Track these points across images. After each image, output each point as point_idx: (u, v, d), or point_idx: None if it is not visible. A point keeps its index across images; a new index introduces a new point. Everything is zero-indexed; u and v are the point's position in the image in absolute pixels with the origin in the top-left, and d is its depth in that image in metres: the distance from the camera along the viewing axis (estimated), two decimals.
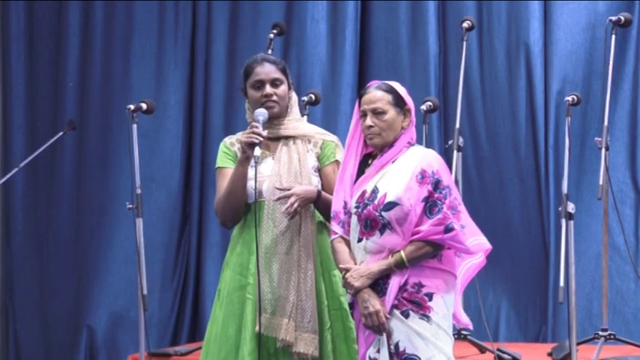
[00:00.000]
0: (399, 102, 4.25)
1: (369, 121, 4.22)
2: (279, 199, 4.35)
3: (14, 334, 7.61)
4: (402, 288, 4.13)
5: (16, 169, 6.24)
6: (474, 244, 4.21)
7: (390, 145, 4.23)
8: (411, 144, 4.26)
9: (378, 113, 4.22)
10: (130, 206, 5.68)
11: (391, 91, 4.26)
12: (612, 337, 5.96)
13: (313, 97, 6.17)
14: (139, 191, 5.71)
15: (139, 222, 5.68)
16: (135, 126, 5.73)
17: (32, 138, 7.58)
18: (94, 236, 7.51)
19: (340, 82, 7.44)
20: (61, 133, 6.32)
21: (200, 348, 6.42)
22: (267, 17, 7.31)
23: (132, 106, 5.74)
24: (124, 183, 7.14)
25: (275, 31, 6.13)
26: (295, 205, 4.32)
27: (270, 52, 5.99)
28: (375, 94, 4.24)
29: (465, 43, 6.32)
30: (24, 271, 7.62)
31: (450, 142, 6.11)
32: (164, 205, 7.56)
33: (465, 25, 6.34)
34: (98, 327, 7.48)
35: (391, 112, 4.23)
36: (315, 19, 7.47)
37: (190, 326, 7.52)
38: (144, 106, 5.80)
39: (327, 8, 7.50)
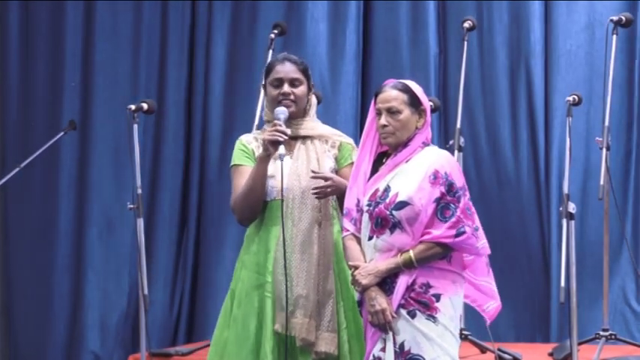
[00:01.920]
0: (414, 102, 4.25)
1: (383, 120, 4.22)
2: (316, 177, 4.33)
3: (15, 335, 7.59)
4: (410, 288, 4.12)
5: (17, 169, 6.22)
6: (484, 246, 4.23)
7: (405, 144, 4.23)
8: (425, 144, 4.27)
9: (392, 112, 4.22)
10: (131, 206, 5.68)
11: (407, 90, 4.25)
12: (613, 337, 5.97)
13: (315, 97, 6.16)
14: (139, 191, 5.70)
15: (140, 222, 5.68)
16: (136, 126, 5.73)
17: (28, 138, 7.55)
18: (94, 236, 7.50)
19: (341, 82, 7.44)
20: (62, 133, 6.31)
21: (201, 348, 6.46)
22: (267, 17, 7.31)
23: (133, 107, 5.74)
24: (126, 183, 7.12)
25: (276, 31, 6.13)
26: (328, 190, 4.33)
27: (270, 52, 5.99)
28: (391, 94, 4.24)
29: (466, 43, 6.32)
30: (23, 271, 7.59)
31: (450, 142, 6.11)
32: (163, 205, 7.55)
33: (466, 25, 6.34)
34: (99, 327, 7.46)
35: (406, 112, 4.23)
36: (315, 18, 7.47)
37: (190, 326, 7.51)
38: (145, 106, 5.79)
39: (327, 8, 7.50)
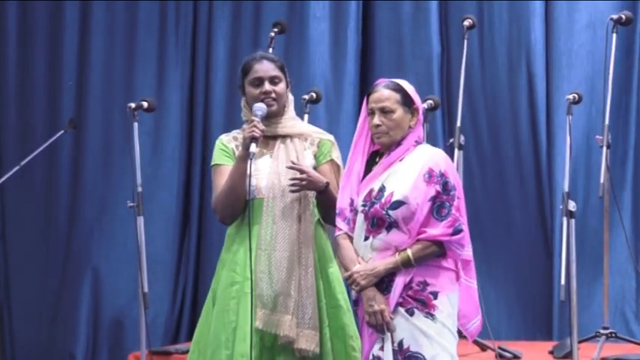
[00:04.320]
0: (407, 101, 4.24)
1: (376, 119, 4.21)
2: (293, 167, 4.33)
3: (12, 333, 7.58)
4: (407, 286, 4.12)
5: (17, 167, 6.23)
6: (468, 252, 4.20)
7: (398, 143, 4.22)
8: (418, 142, 4.25)
9: (386, 112, 4.21)
10: (132, 204, 5.69)
11: (399, 89, 4.25)
12: (613, 335, 5.97)
13: (314, 95, 6.18)
14: (140, 189, 5.71)
15: (140, 220, 5.69)
16: (136, 124, 5.73)
17: (26, 137, 7.55)
18: (94, 234, 7.50)
19: (342, 81, 7.45)
20: (62, 132, 6.31)
21: None
22: (269, 16, 7.31)
23: (133, 105, 5.74)
24: (125, 181, 7.12)
25: (276, 30, 6.13)
26: (304, 183, 4.32)
27: (271, 50, 5.99)
28: (383, 93, 4.23)
29: (465, 41, 6.32)
30: (21, 269, 7.58)
31: (451, 141, 6.12)
32: (165, 204, 7.56)
33: (466, 23, 6.36)
34: (99, 325, 7.47)
35: (399, 111, 4.22)
36: (317, 18, 7.48)
37: (191, 324, 7.51)
38: (145, 104, 5.80)
39: (328, 7, 7.51)
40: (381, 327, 4.13)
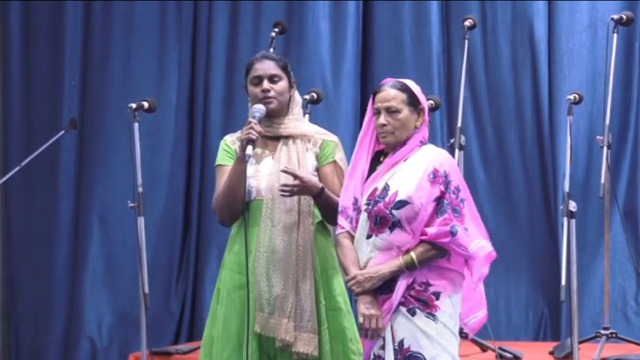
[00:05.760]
0: (413, 101, 4.23)
1: (382, 119, 4.20)
2: (286, 172, 4.31)
3: (15, 333, 7.60)
4: (410, 286, 4.11)
5: (17, 168, 6.22)
6: (476, 248, 4.17)
7: (403, 143, 4.22)
8: (423, 143, 4.25)
9: (392, 112, 4.20)
10: (132, 205, 5.68)
11: (405, 89, 4.24)
12: (614, 335, 5.97)
13: (315, 95, 6.17)
14: (140, 190, 5.70)
15: (141, 220, 5.68)
16: (136, 124, 5.73)
17: (29, 137, 7.56)
18: (94, 235, 7.50)
19: (342, 81, 7.44)
20: (62, 132, 6.30)
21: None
22: (268, 16, 7.31)
23: (134, 105, 5.74)
24: (125, 182, 7.13)
25: (276, 30, 6.13)
26: (295, 189, 4.29)
27: (271, 50, 5.99)
28: (390, 93, 4.22)
29: (466, 41, 6.32)
30: (24, 269, 7.60)
31: (451, 141, 6.12)
32: (165, 204, 7.55)
33: (467, 23, 6.35)
34: (100, 326, 7.47)
35: (405, 111, 4.21)
36: (316, 17, 7.47)
37: (191, 325, 7.51)
38: (145, 104, 5.79)
39: (328, 7, 7.50)
40: (372, 332, 4.12)
